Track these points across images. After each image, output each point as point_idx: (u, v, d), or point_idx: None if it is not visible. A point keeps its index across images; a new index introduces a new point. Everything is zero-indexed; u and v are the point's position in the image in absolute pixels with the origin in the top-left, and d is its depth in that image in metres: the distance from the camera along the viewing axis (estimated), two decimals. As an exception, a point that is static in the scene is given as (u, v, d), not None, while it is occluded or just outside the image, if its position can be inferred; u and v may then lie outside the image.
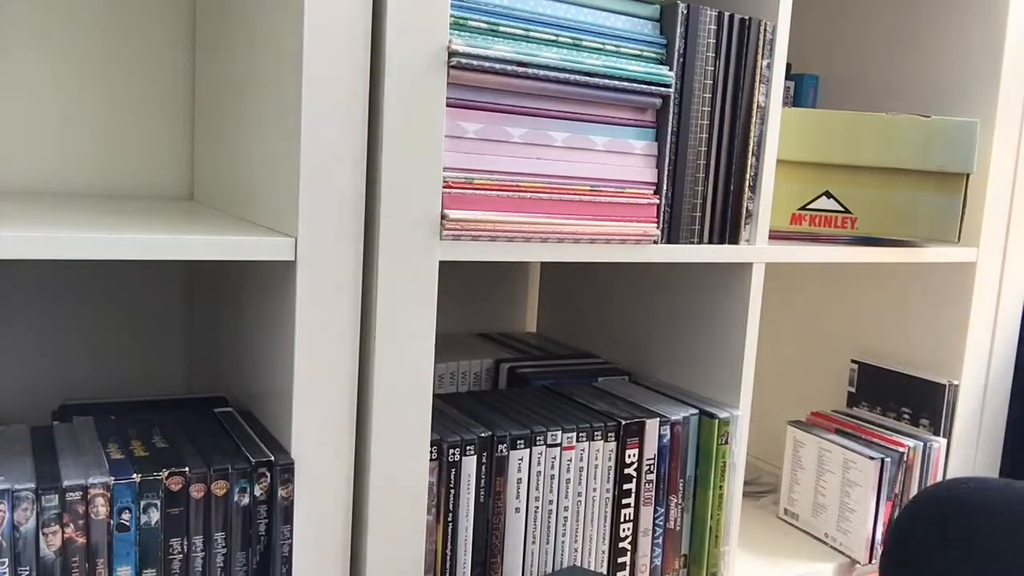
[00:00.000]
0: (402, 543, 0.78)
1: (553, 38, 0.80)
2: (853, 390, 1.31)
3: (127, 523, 0.65)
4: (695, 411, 0.98)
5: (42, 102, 0.98)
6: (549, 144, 0.82)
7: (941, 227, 1.06)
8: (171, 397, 0.92)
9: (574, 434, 0.89)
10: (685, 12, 0.86)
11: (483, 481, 0.85)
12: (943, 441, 1.17)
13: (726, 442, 0.98)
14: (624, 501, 0.93)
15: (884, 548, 0.90)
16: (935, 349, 1.23)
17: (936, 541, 0.83)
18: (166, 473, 0.66)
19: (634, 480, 0.93)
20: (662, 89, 0.86)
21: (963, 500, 0.84)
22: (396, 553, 0.78)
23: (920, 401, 1.22)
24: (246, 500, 0.69)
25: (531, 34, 0.79)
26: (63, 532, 0.63)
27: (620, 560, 0.94)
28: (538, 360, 1.16)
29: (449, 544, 0.84)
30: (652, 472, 0.94)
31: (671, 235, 0.89)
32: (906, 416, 1.23)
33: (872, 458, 1.08)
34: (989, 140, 1.15)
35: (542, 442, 0.88)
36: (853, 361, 1.31)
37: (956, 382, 1.19)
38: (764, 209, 0.95)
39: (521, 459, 0.87)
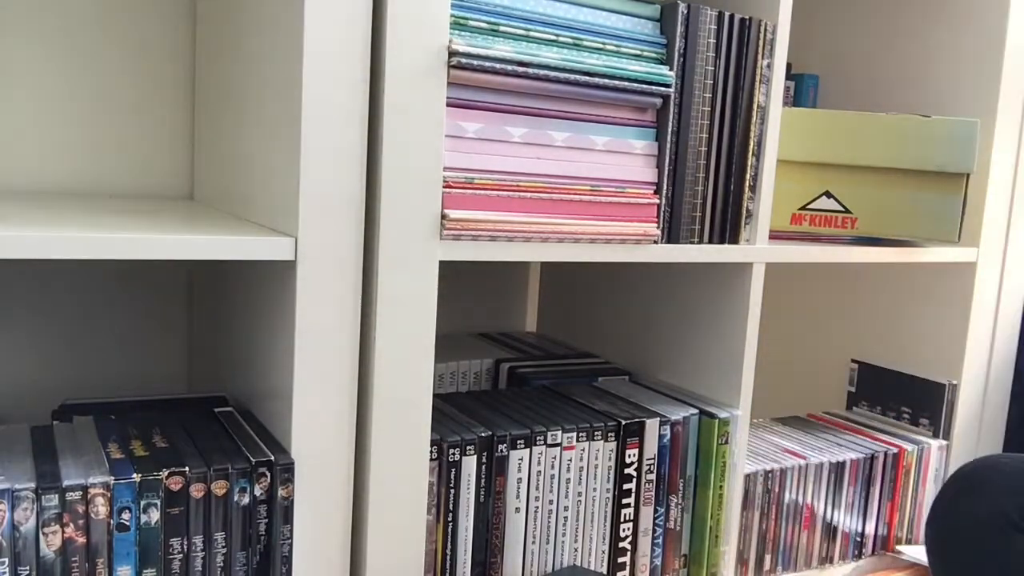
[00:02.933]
0: (402, 543, 0.78)
1: (553, 38, 0.80)
2: (853, 390, 1.31)
3: (127, 523, 0.65)
4: (695, 411, 0.98)
5: (43, 102, 0.98)
6: (549, 144, 0.82)
7: (941, 227, 1.06)
8: (171, 397, 0.92)
9: (574, 434, 0.89)
10: (685, 12, 0.86)
11: (483, 481, 0.85)
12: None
13: (726, 442, 0.98)
14: (624, 501, 0.93)
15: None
16: (935, 349, 1.23)
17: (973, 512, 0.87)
18: (166, 473, 0.66)
19: (634, 480, 0.93)
20: (662, 89, 0.86)
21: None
22: (396, 553, 0.78)
23: (920, 401, 1.22)
24: (246, 500, 0.69)
25: (531, 34, 0.79)
26: (63, 532, 0.63)
27: (620, 560, 0.94)
28: (538, 360, 1.16)
29: (449, 544, 0.84)
30: (652, 472, 0.94)
31: (671, 235, 0.89)
32: (906, 416, 1.23)
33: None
34: (989, 140, 1.15)
35: (542, 442, 0.88)
36: (853, 361, 1.31)
37: (956, 382, 1.19)
38: (764, 209, 0.95)
39: (521, 459, 0.87)
